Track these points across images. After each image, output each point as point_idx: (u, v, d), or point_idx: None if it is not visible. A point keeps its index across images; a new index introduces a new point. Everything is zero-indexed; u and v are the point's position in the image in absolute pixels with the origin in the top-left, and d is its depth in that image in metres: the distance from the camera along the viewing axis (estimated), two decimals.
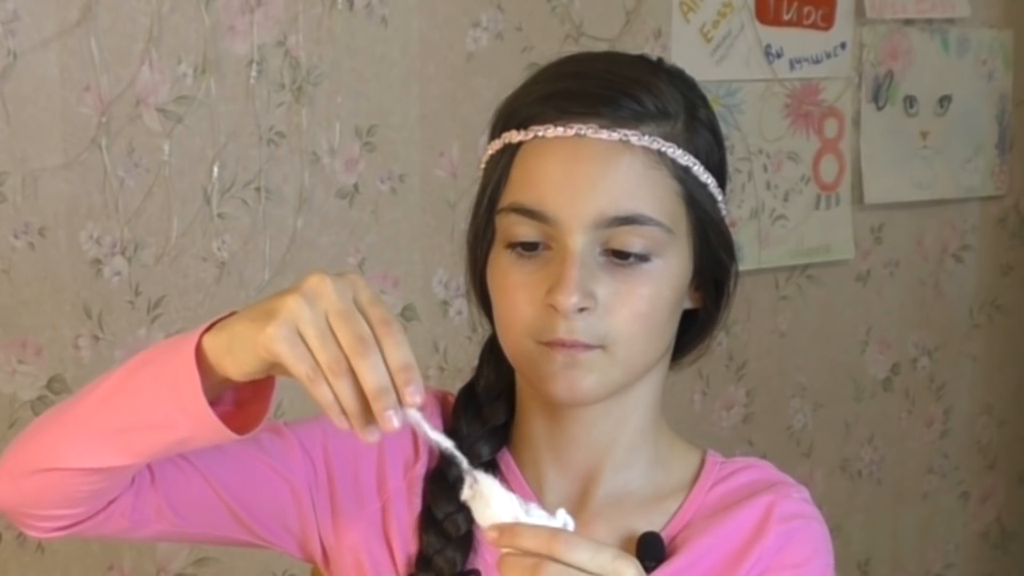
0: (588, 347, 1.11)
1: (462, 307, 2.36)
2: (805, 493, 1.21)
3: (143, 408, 1.04)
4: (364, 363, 0.94)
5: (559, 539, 0.94)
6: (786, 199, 2.81)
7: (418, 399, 0.95)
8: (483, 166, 1.20)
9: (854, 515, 3.04)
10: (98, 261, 2.09)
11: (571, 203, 1.11)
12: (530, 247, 1.13)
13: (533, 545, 0.94)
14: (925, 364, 3.11)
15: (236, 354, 1.00)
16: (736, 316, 2.79)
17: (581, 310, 1.10)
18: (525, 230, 1.13)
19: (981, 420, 3.23)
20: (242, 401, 1.07)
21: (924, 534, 3.17)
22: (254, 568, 2.22)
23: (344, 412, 0.96)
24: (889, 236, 3.00)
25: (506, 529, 0.96)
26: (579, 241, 1.11)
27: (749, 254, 2.73)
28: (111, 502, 1.13)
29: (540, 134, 1.14)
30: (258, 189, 2.21)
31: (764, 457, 1.29)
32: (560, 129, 1.13)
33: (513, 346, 1.15)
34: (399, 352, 0.95)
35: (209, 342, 1.02)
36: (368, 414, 0.95)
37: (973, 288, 3.17)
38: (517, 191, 1.14)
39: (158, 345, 1.08)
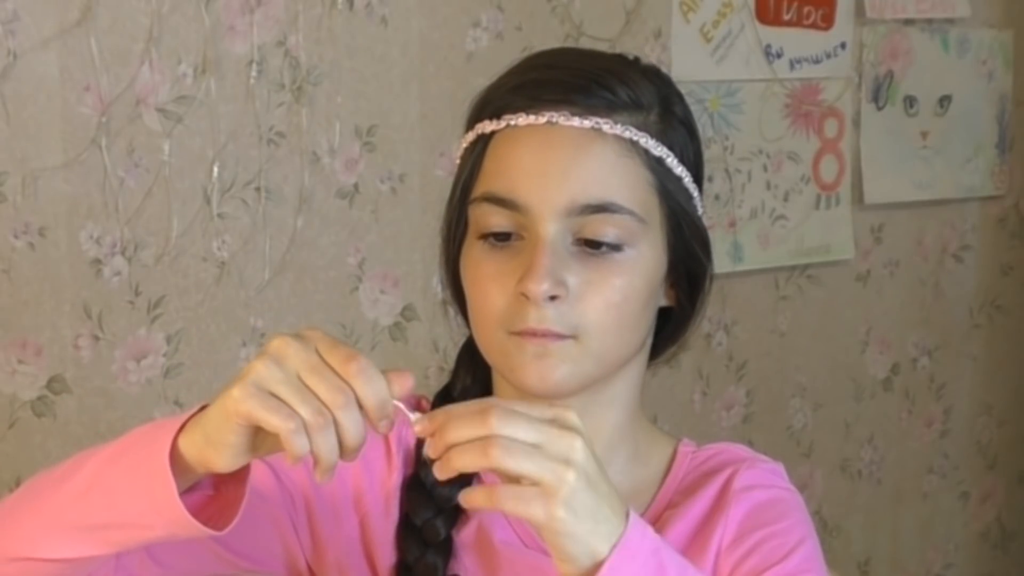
0: (559, 336, 1.10)
1: None
2: (776, 468, 1.19)
3: (119, 507, 1.01)
4: (347, 416, 0.93)
5: (492, 414, 0.92)
6: (786, 199, 2.81)
7: (388, 430, 0.96)
8: (457, 159, 1.19)
9: (854, 515, 3.04)
10: (98, 261, 2.09)
11: (542, 190, 1.10)
12: (502, 238, 1.12)
13: (468, 430, 0.92)
14: (925, 364, 3.11)
15: (215, 442, 0.96)
16: (736, 316, 2.84)
17: (552, 298, 1.09)
18: (497, 220, 1.12)
19: (981, 420, 3.23)
20: (219, 484, 1.05)
21: (924, 534, 3.17)
22: None
23: (316, 460, 0.94)
24: (889, 236, 3.00)
25: (434, 415, 0.95)
26: (551, 229, 1.10)
27: (749, 254, 2.73)
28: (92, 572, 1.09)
29: (512, 123, 1.13)
30: (258, 189, 2.21)
31: None
32: (532, 117, 1.12)
33: (485, 338, 1.14)
34: (371, 390, 0.94)
35: (185, 442, 0.98)
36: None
37: (973, 288, 3.17)
38: (489, 180, 1.14)
39: (134, 433, 1.03)
